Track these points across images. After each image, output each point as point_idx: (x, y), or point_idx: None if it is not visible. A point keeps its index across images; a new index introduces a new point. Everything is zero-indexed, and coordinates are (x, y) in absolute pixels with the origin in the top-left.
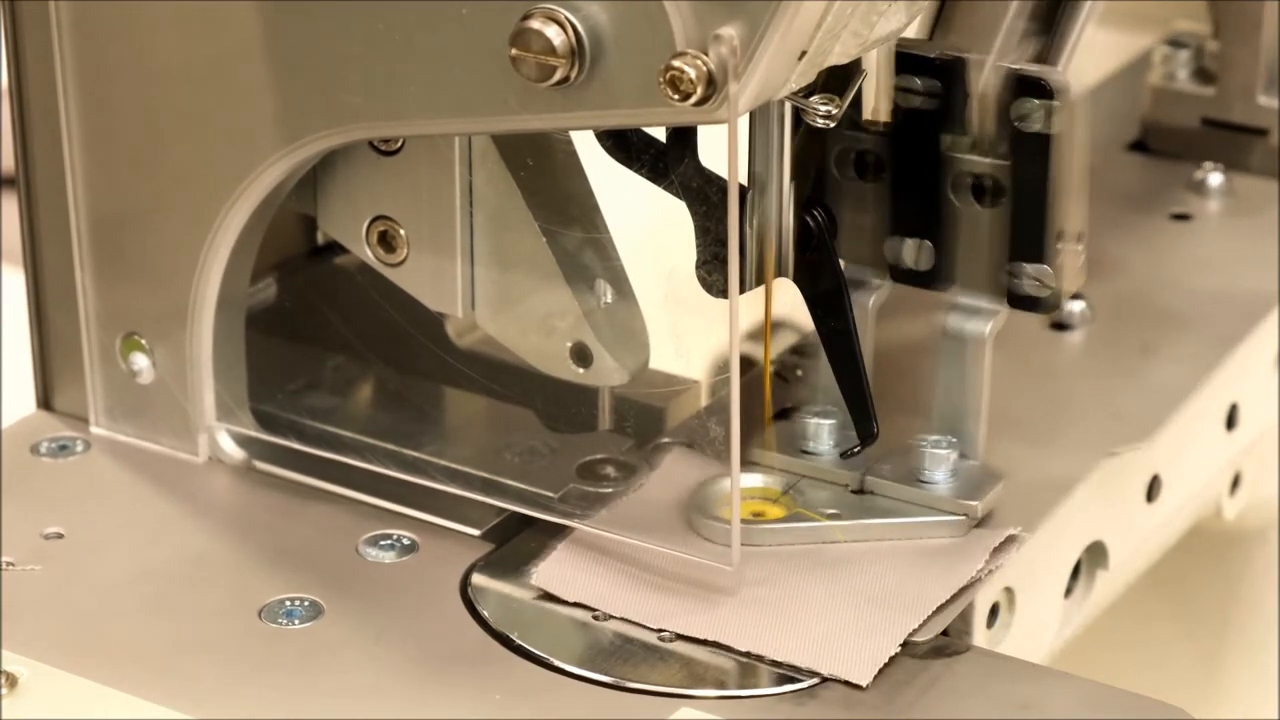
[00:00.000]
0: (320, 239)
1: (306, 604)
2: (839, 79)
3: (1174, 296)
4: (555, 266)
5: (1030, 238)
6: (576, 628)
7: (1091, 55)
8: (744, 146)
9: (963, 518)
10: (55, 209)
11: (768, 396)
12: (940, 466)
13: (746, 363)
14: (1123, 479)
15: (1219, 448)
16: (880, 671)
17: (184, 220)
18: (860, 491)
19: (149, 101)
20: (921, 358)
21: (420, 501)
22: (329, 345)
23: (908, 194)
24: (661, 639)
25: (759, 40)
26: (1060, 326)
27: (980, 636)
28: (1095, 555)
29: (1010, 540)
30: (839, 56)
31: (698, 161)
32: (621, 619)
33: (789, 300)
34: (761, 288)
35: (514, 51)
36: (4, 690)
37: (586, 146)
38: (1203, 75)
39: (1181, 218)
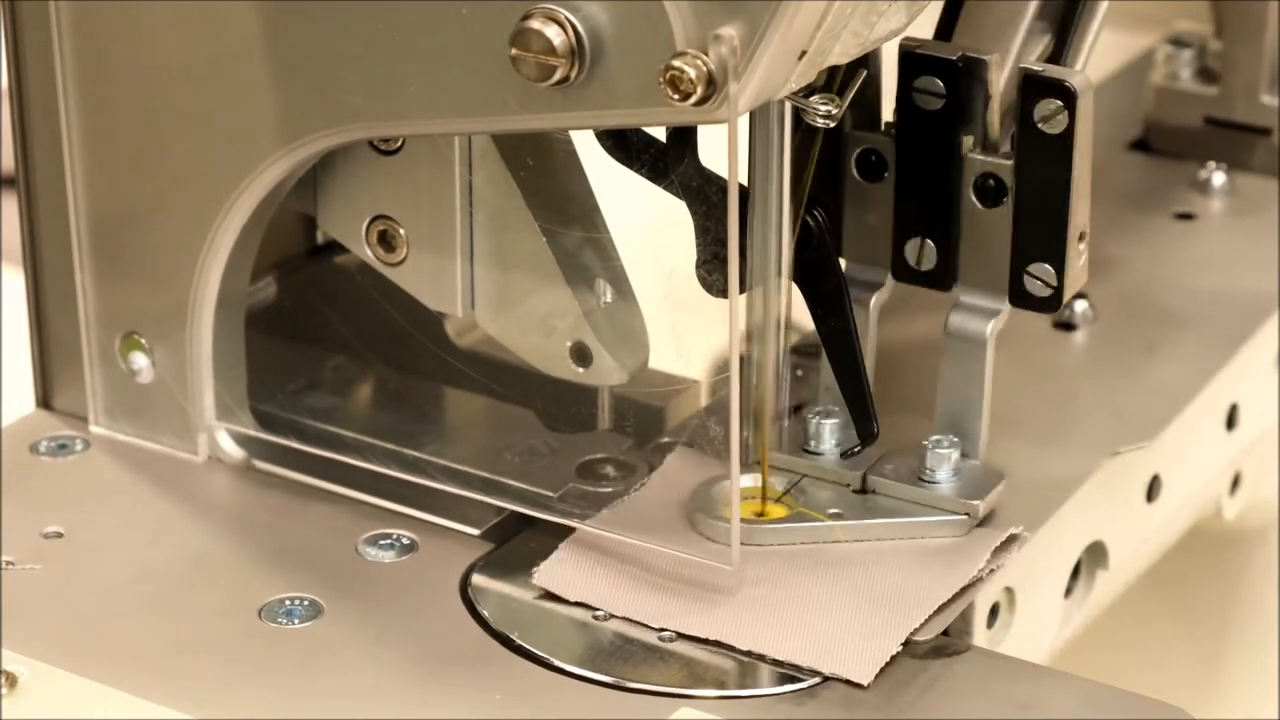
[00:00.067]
0: (320, 238)
1: (306, 604)
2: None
3: (1176, 296)
4: (555, 266)
5: (1048, 238)
6: (576, 628)
7: (1093, 55)
8: (744, 146)
9: (965, 517)
10: (55, 209)
11: (767, 396)
12: (942, 466)
13: (746, 363)
14: (1123, 479)
15: (1219, 448)
16: (880, 671)
17: (184, 220)
18: (862, 491)
19: (149, 101)
20: (925, 357)
21: (420, 501)
22: (329, 345)
23: (926, 195)
24: (662, 639)
25: (759, 40)
26: (1063, 326)
27: (980, 636)
28: (1095, 555)
29: (1012, 540)
30: (839, 56)
31: (698, 161)
32: (623, 618)
33: (789, 300)
34: (761, 287)
35: (514, 51)
36: (4, 690)
37: (586, 146)
38: (1206, 75)
39: (1184, 217)
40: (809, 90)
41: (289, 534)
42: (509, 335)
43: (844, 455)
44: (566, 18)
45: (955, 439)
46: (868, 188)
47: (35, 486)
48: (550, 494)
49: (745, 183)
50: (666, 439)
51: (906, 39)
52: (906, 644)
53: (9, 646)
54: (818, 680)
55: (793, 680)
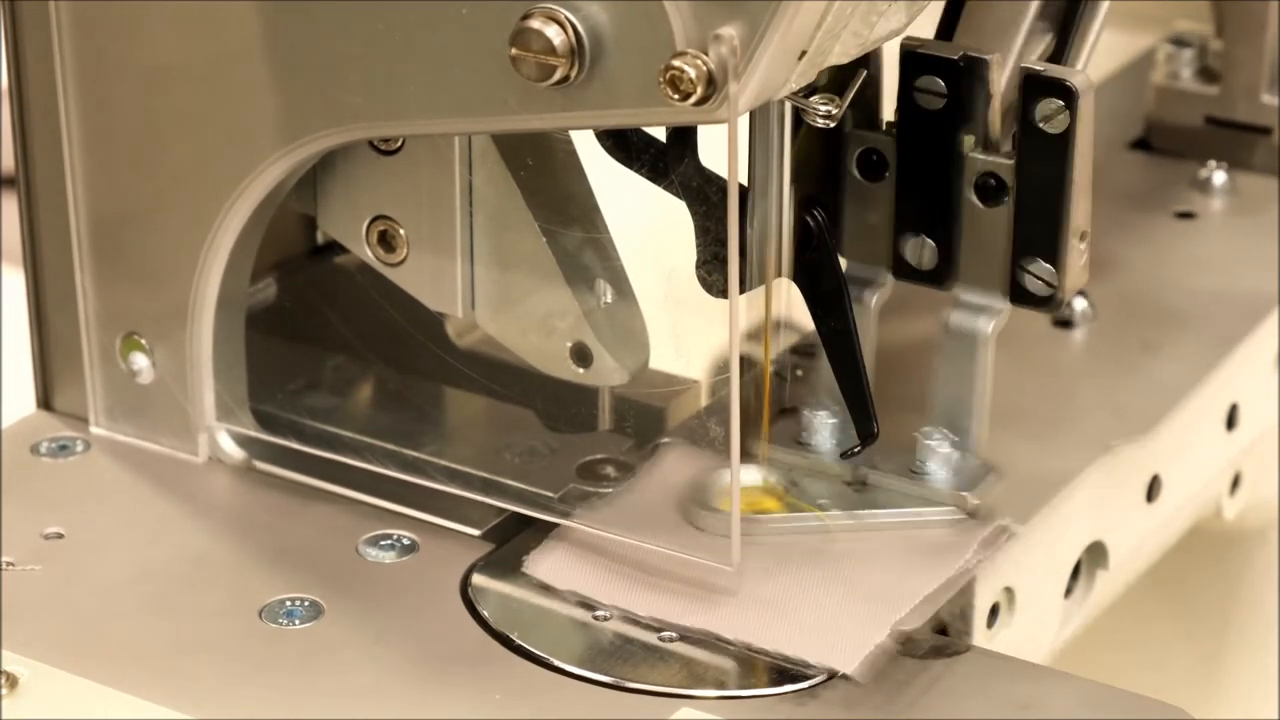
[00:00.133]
0: (320, 239)
1: (306, 604)
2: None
3: (1176, 295)
4: (555, 266)
5: (1046, 236)
6: (576, 628)
7: (1094, 55)
8: (744, 146)
9: (957, 510)
10: (55, 209)
11: (767, 396)
12: (936, 459)
13: (746, 363)
14: (1123, 479)
15: (1219, 448)
16: (880, 671)
17: (184, 220)
18: (856, 484)
19: (149, 101)
20: (923, 356)
21: (420, 501)
22: (329, 345)
23: (926, 193)
24: (661, 639)
25: (759, 40)
26: (1063, 324)
27: (980, 636)
28: (1095, 555)
29: (1000, 531)
30: (839, 56)
31: (698, 161)
32: (624, 617)
33: (789, 301)
34: (761, 288)
35: (514, 51)
36: (4, 690)
37: (586, 146)
38: (1206, 74)
39: (1185, 216)
40: (809, 90)
41: (289, 534)
42: (509, 335)
43: (844, 456)
44: (566, 17)
45: (950, 433)
46: (868, 187)
47: (35, 487)
48: (550, 494)
49: (745, 183)
50: (666, 439)
51: (908, 38)
52: (906, 642)
53: (9, 647)
54: (818, 680)
55: (793, 680)
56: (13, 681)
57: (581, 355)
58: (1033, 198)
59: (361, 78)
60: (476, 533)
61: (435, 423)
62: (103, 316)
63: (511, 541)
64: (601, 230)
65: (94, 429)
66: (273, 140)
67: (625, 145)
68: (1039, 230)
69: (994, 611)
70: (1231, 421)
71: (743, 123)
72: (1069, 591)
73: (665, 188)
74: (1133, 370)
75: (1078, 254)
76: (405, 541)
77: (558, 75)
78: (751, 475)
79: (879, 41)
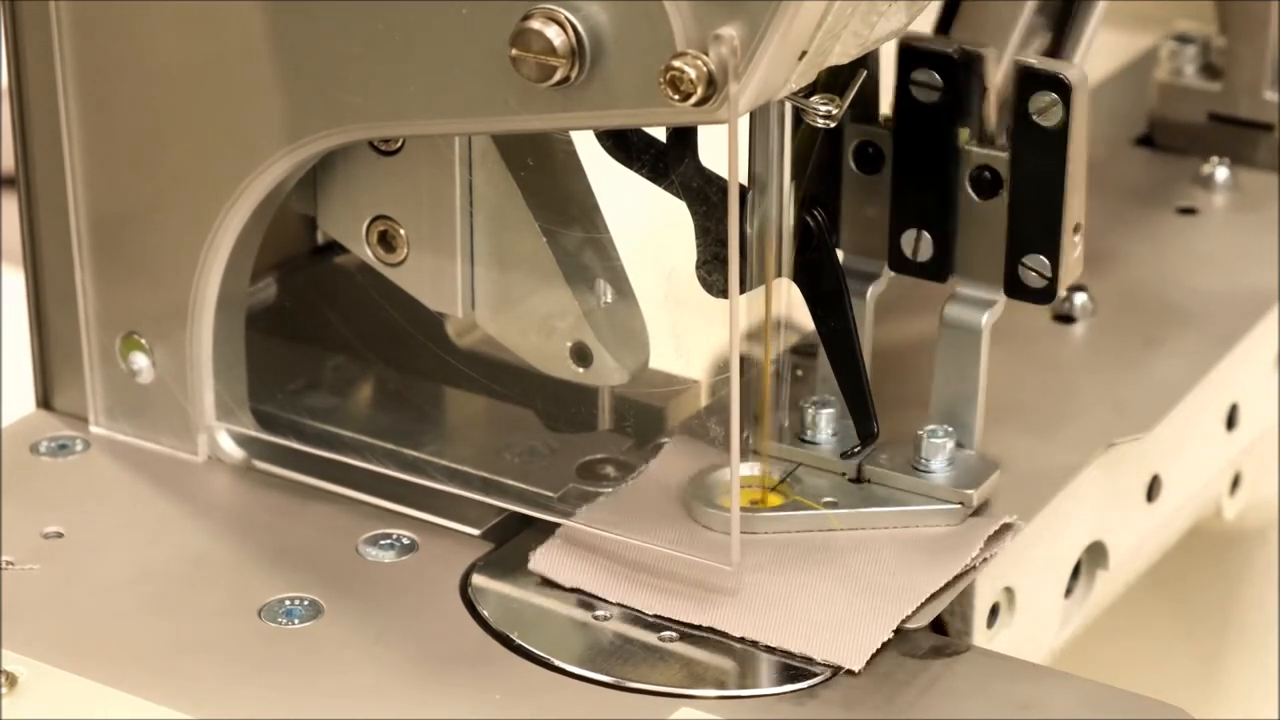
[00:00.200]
0: (320, 239)
1: (306, 604)
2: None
3: (1178, 291)
4: (555, 266)
5: (1042, 229)
6: (576, 628)
7: (1093, 55)
8: (744, 146)
9: (959, 506)
10: (55, 209)
11: (767, 396)
12: (937, 455)
13: (746, 362)
14: (1123, 478)
15: (1219, 447)
16: (881, 671)
17: (184, 220)
18: (858, 480)
19: (149, 101)
20: (922, 350)
21: (420, 501)
22: (329, 345)
23: (923, 186)
24: (661, 639)
25: (759, 40)
26: (1063, 319)
27: (980, 636)
28: (1095, 555)
29: (1005, 529)
30: (839, 56)
31: (698, 161)
32: (623, 614)
33: (789, 301)
34: (761, 288)
35: (514, 51)
36: (4, 690)
37: (586, 146)
38: (1209, 71)
39: (1187, 212)
40: (809, 90)
41: (289, 534)
42: (509, 335)
43: (844, 455)
44: (566, 18)
45: (950, 429)
46: (865, 180)
47: (35, 486)
48: (550, 494)
49: (745, 183)
50: (666, 439)
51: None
52: (903, 636)
53: (9, 646)
54: (818, 680)
55: (793, 680)
56: (12, 681)
57: (581, 355)
58: (1028, 191)
59: (362, 78)
60: (476, 532)
61: (435, 423)
62: (103, 316)
63: (511, 541)
64: (601, 230)
65: (94, 428)
66: (273, 140)
67: (625, 145)
68: (1034, 223)
69: (994, 611)
70: (1231, 421)
71: (743, 123)
72: (1069, 591)
73: (665, 188)
74: (1133, 366)
75: (1072, 246)
76: (405, 541)
77: (558, 76)
78: (754, 471)
79: (879, 41)
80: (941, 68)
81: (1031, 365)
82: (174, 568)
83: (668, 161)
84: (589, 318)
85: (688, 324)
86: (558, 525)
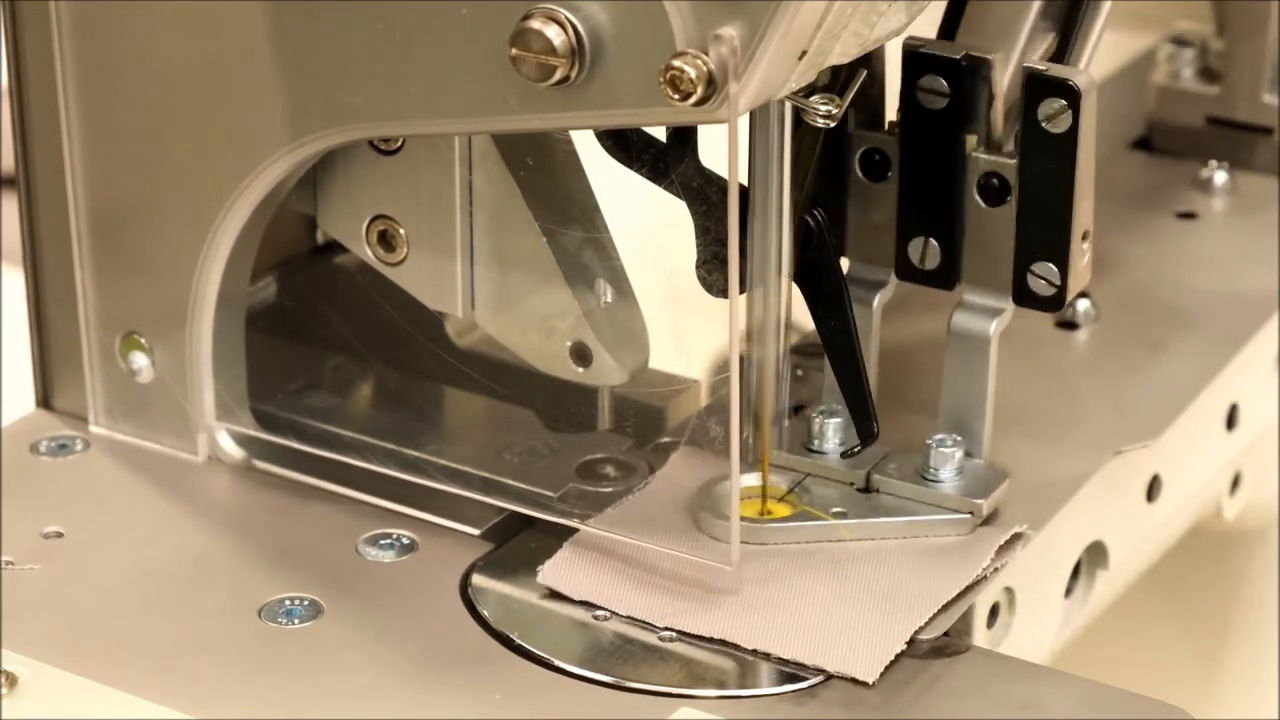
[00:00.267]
0: (320, 238)
1: (306, 604)
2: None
3: (1178, 295)
4: (555, 266)
5: (1050, 236)
6: (576, 628)
7: (1095, 55)
8: (744, 146)
9: (968, 516)
10: (55, 209)
11: (767, 396)
12: (946, 465)
13: (746, 362)
14: (1123, 479)
15: (1219, 448)
16: (882, 671)
17: (184, 219)
18: (866, 490)
19: (149, 101)
20: (929, 356)
21: (420, 501)
22: (329, 345)
23: (930, 193)
24: (662, 639)
25: (759, 40)
26: (1066, 325)
27: (980, 636)
28: (1095, 555)
29: (1016, 538)
30: (839, 56)
31: (698, 161)
32: (627, 617)
33: (789, 301)
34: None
35: (514, 51)
36: (4, 690)
37: (586, 146)
38: (1207, 74)
39: (1186, 216)
40: (809, 90)
41: (289, 534)
42: (509, 335)
43: (844, 455)
44: (567, 18)
45: (959, 438)
46: (871, 187)
47: (35, 486)
48: (550, 494)
49: (745, 183)
50: (666, 439)
51: (910, 38)
52: (911, 642)
53: (9, 646)
54: (818, 680)
55: (793, 680)
56: (12, 681)
57: (581, 355)
58: (1036, 197)
59: (362, 77)
60: (476, 532)
61: (435, 423)
62: (102, 316)
63: (511, 541)
64: (601, 230)
65: (94, 428)
66: (273, 140)
67: (625, 145)
68: (1043, 230)
69: (994, 611)
70: (1231, 421)
71: (743, 123)
72: (1069, 591)
73: (665, 188)
74: (1136, 370)
75: (1080, 253)
76: (405, 541)
77: (558, 75)
78: (760, 480)
79: (879, 41)
80: (948, 74)
81: (1036, 372)
82: (174, 568)
83: (668, 161)
84: (589, 318)
85: (688, 324)
86: (558, 525)
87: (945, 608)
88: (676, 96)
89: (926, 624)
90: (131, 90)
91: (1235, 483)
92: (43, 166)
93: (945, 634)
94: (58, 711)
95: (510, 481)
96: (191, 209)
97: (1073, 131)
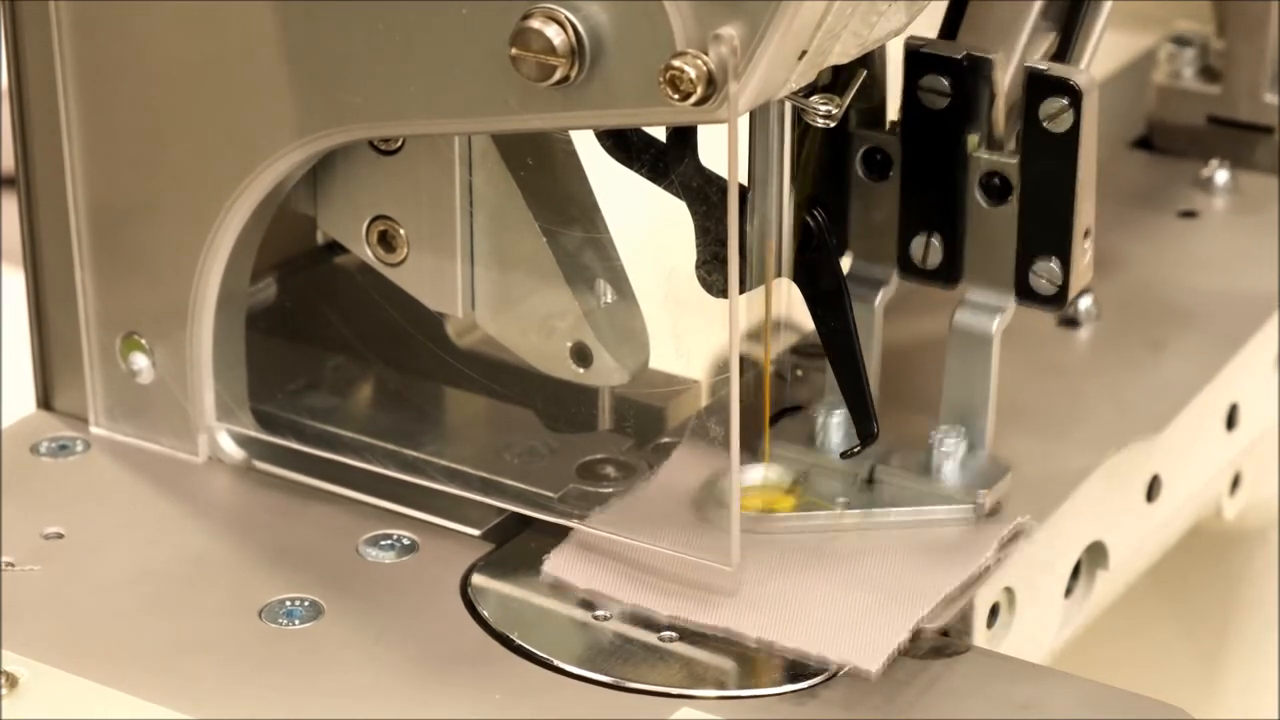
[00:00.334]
0: (320, 238)
1: (306, 604)
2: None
3: (1179, 293)
4: (555, 266)
5: (1053, 234)
6: (576, 628)
7: (1096, 54)
8: (744, 146)
9: (971, 508)
10: (55, 209)
11: (767, 396)
12: (949, 458)
13: (746, 362)
14: (1123, 479)
15: (1219, 448)
16: (884, 661)
17: (184, 220)
18: (870, 482)
19: (149, 101)
20: (932, 354)
21: (420, 501)
22: (329, 345)
23: (932, 192)
24: (662, 639)
25: (759, 40)
26: (1068, 323)
27: (980, 636)
28: (1095, 555)
29: (1019, 531)
30: (839, 56)
31: (698, 161)
32: (628, 615)
33: (789, 301)
34: (761, 288)
35: (514, 51)
36: (4, 690)
37: (586, 146)
38: (1208, 73)
39: (1187, 215)
40: (809, 90)
41: (289, 534)
42: (509, 335)
43: (844, 455)
44: (566, 17)
45: (962, 431)
46: (873, 186)
47: (35, 487)
48: (550, 494)
49: (745, 183)
50: (666, 439)
51: (911, 37)
52: (912, 638)
53: (9, 647)
54: (818, 680)
55: (793, 680)
56: (13, 681)
57: (581, 355)
58: (1038, 196)
59: (362, 77)
60: (476, 533)
61: (435, 423)
62: (103, 316)
63: (511, 541)
64: (601, 230)
65: (94, 429)
66: (273, 140)
67: (625, 145)
68: (1045, 229)
69: (994, 611)
70: (1231, 421)
71: (743, 123)
72: (1069, 591)
73: (665, 188)
74: (1137, 368)
75: (1082, 252)
76: (405, 541)
77: (558, 75)
78: (765, 473)
79: (879, 41)
80: (950, 74)
81: (1037, 369)
82: (174, 568)
83: (668, 161)
84: (589, 318)
85: (688, 324)
86: (558, 525)
87: (948, 600)
88: (676, 96)
89: (929, 615)
90: (131, 90)
91: (1235, 483)
92: (43, 166)
93: (945, 634)
94: (58, 712)
95: (510, 482)
96: (192, 209)
97: (1074, 131)
